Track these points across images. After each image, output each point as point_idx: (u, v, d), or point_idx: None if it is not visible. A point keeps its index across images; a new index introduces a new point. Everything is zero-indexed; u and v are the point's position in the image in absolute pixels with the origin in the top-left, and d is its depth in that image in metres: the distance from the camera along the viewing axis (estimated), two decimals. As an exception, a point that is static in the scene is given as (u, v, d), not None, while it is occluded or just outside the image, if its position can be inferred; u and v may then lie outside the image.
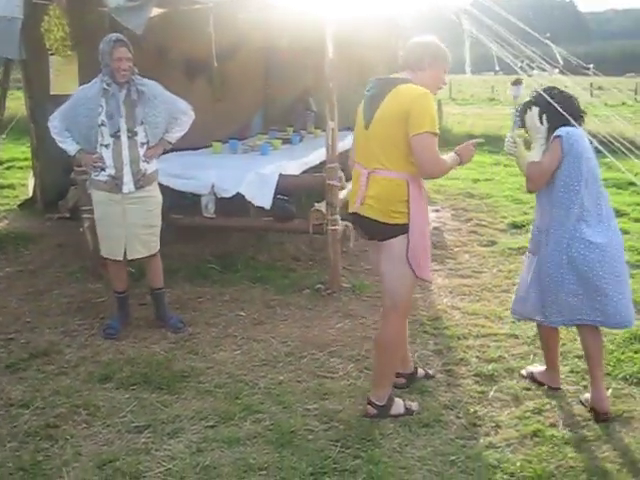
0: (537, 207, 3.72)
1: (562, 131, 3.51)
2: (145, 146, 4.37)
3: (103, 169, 4.33)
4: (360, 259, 6.05)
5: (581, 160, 3.47)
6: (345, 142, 7.21)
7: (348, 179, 5.74)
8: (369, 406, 3.52)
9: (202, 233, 6.20)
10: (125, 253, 4.45)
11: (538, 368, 3.94)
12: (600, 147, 3.74)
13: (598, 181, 3.57)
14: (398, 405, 3.55)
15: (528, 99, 3.74)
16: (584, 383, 3.81)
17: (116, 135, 4.27)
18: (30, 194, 8.40)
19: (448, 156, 3.44)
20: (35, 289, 5.46)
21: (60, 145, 4.46)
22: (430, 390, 3.78)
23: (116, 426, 3.46)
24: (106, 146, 4.30)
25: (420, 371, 3.94)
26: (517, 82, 3.76)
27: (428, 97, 3.23)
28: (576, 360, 4.09)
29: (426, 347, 4.34)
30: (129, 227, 4.39)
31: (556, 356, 3.85)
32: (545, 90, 3.65)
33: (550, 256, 3.55)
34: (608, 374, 3.89)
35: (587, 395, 3.63)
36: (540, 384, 3.83)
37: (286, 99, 8.61)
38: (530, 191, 3.70)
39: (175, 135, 4.53)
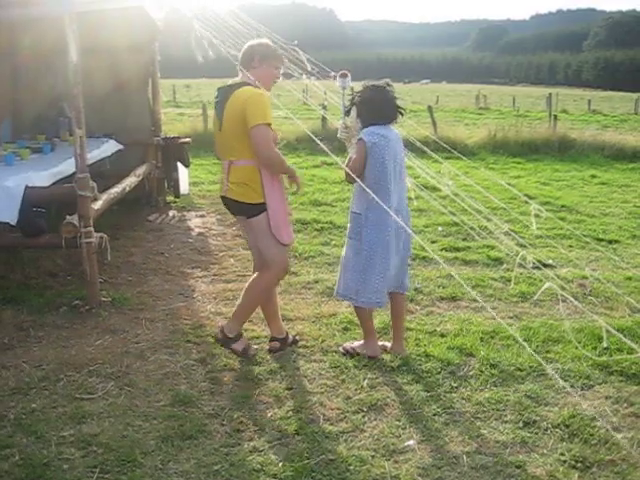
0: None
1: (364, 133, 4.11)
2: None
3: None
4: (121, 270, 5.85)
5: (384, 160, 4.08)
6: (103, 149, 6.94)
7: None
8: (219, 332, 4.26)
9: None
10: None
11: (356, 343, 4.38)
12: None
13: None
14: (241, 343, 4.26)
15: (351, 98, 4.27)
16: (342, 377, 3.99)
17: None
18: None
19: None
20: None
21: None
22: (194, 400, 3.73)
23: None
24: None
25: (289, 337, 4.47)
26: (343, 75, 3.97)
27: (259, 95, 3.95)
28: (336, 355, 4.27)
29: (189, 356, 4.27)
30: None
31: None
32: (363, 89, 4.20)
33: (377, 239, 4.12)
34: (365, 365, 4.12)
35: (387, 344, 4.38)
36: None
37: (37, 105, 8.06)
38: (348, 181, 4.19)
39: None
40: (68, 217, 4.82)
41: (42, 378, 3.97)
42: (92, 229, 4.81)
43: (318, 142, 4.18)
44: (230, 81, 4.14)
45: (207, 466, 3.15)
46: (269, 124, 3.91)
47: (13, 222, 4.77)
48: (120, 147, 7.44)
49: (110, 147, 7.20)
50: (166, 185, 8.51)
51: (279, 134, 4.27)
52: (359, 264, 4.18)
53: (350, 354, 4.30)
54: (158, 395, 3.79)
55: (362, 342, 4.35)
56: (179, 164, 8.54)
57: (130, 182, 6.64)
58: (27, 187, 4.83)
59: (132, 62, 8.24)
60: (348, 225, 4.32)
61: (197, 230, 7.44)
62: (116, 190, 6.10)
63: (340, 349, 4.37)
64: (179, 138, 8.67)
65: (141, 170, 7.40)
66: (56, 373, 4.03)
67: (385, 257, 4.14)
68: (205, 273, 5.93)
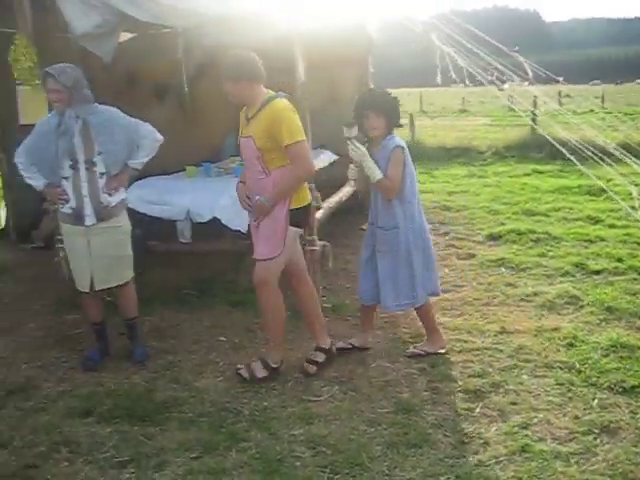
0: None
1: (395, 140, 4.18)
2: (105, 177, 4.25)
3: (67, 201, 4.26)
4: (339, 278, 6.03)
5: (412, 166, 4.25)
6: (320, 160, 7.22)
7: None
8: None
9: (179, 259, 6.14)
10: (93, 284, 4.35)
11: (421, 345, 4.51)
12: (570, 156, 3.83)
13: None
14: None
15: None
16: (569, 395, 3.81)
17: (75, 167, 4.20)
18: (2, 225, 8.28)
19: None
20: (10, 323, 5.35)
21: (27, 181, 4.38)
22: (417, 409, 3.75)
23: (98, 462, 3.38)
24: (66, 178, 4.23)
25: (334, 348, 4.42)
26: (351, 124, 3.83)
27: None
28: (560, 372, 4.09)
29: (410, 365, 4.30)
30: (94, 259, 4.30)
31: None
32: (384, 94, 4.27)
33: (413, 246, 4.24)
34: (593, 384, 3.91)
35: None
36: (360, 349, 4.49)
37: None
38: (391, 198, 4.21)
39: (139, 161, 4.38)
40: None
41: (271, 378, 4.20)
42: (316, 237, 5.02)
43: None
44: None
45: (433, 476, 3.15)
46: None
47: (244, 230, 5.10)
48: (335, 157, 7.68)
49: (326, 158, 7.46)
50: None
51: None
52: (405, 270, 4.27)
53: (420, 355, 4.39)
54: (381, 402, 3.86)
55: (427, 341, 4.51)
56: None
57: (346, 192, 6.84)
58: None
59: (347, 75, 8.52)
60: (378, 239, 4.33)
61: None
62: (334, 200, 6.31)
63: (407, 353, 4.46)
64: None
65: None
66: (284, 374, 4.24)
67: (426, 260, 4.35)
68: (420, 282, 5.93)
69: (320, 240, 5.15)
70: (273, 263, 4.02)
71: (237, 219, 5.15)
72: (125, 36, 5.86)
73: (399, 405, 3.80)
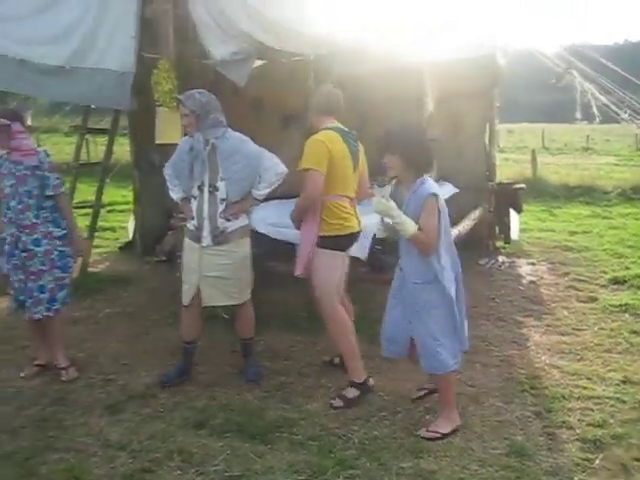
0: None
1: (433, 187, 3.73)
2: (224, 202, 4.34)
3: (193, 218, 4.41)
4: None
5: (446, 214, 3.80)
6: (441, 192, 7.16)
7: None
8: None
9: (297, 281, 6.21)
10: (195, 301, 4.43)
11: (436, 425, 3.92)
12: None
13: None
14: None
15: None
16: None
17: (200, 189, 4.35)
18: (130, 237, 8.71)
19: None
20: (132, 331, 5.60)
21: (169, 192, 4.60)
22: (530, 454, 3.62)
23: (209, 474, 3.47)
24: (194, 198, 4.40)
25: (369, 383, 4.38)
26: (383, 183, 3.63)
27: None
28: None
29: (525, 407, 4.16)
30: (202, 276, 4.39)
31: None
32: (388, 130, 3.87)
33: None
34: None
35: None
36: None
37: (380, 152, 8.61)
38: (429, 254, 3.76)
39: (261, 192, 4.42)
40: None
41: (382, 407, 4.18)
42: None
43: None
44: (339, 125, 4.37)
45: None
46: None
47: (364, 257, 5.12)
48: (455, 190, 7.62)
49: (446, 190, 7.40)
50: (497, 230, 8.48)
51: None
52: (446, 333, 3.84)
53: (437, 438, 3.81)
54: (494, 442, 3.75)
55: (443, 418, 3.93)
56: (511, 210, 8.47)
57: (465, 225, 6.75)
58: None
59: (472, 107, 8.45)
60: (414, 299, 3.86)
61: (528, 278, 7.27)
62: (453, 232, 6.22)
63: (425, 434, 3.85)
64: (514, 184, 8.62)
65: (475, 214, 7.49)
66: (394, 405, 4.21)
67: (459, 321, 3.91)
68: (538, 323, 5.75)
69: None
70: (319, 281, 4.34)
71: (358, 246, 5.15)
72: (256, 63, 6.05)
73: (512, 448, 3.68)
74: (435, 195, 3.69)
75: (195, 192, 4.37)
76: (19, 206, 4.54)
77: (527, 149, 22.17)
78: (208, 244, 4.35)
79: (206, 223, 4.34)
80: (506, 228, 8.45)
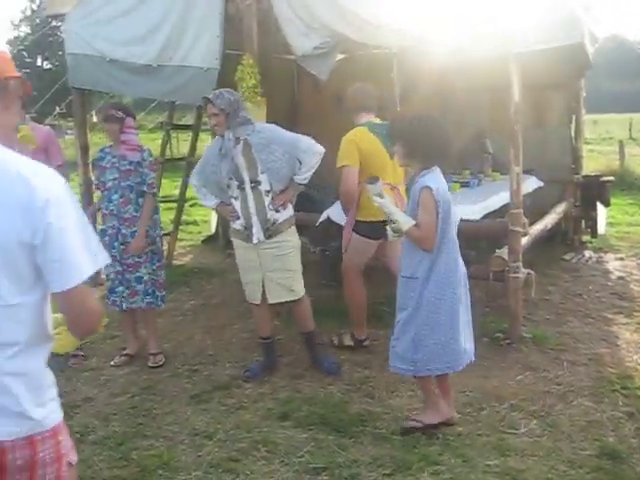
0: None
1: (430, 180, 3.53)
2: (270, 194, 4.35)
3: (238, 218, 4.44)
4: (539, 308, 5.80)
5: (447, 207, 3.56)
6: (525, 185, 6.99)
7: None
8: None
9: (377, 274, 6.20)
10: (265, 297, 4.48)
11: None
12: None
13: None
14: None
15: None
16: None
17: (241, 187, 4.37)
18: (212, 230, 8.88)
19: None
20: (217, 323, 5.72)
21: (201, 203, 4.69)
22: (623, 456, 3.49)
23: (294, 465, 3.50)
24: (235, 198, 4.42)
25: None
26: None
27: None
28: None
29: (616, 407, 4.02)
30: (265, 274, 4.43)
31: None
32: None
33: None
34: None
35: None
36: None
37: (461, 141, 8.51)
38: (428, 250, 3.56)
39: (304, 176, 4.43)
40: (497, 251, 4.94)
41: (466, 404, 4.11)
42: (521, 264, 4.86)
43: None
44: (371, 120, 4.76)
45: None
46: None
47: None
48: (540, 184, 7.42)
49: (531, 184, 7.22)
50: (583, 224, 8.23)
51: None
52: (420, 333, 3.61)
53: (417, 428, 3.77)
54: (583, 443, 3.64)
55: (426, 411, 3.83)
56: (598, 203, 8.19)
57: (551, 220, 6.58)
58: (461, 219, 5.08)
59: (557, 98, 8.23)
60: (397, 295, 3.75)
61: (616, 273, 7.02)
62: (538, 227, 6.09)
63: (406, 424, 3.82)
64: (601, 177, 8.34)
65: (560, 208, 7.29)
66: (479, 401, 4.14)
67: (451, 323, 3.63)
68: (628, 320, 5.55)
69: (525, 268, 4.98)
70: (346, 257, 4.85)
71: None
72: (338, 57, 6.05)
73: (603, 449, 3.56)
74: (429, 188, 3.49)
75: (235, 192, 4.40)
76: (121, 199, 4.71)
77: (613, 140, 21.41)
78: (260, 239, 4.38)
79: (255, 219, 4.37)
80: (593, 222, 8.19)
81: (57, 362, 2.59)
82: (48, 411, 1.73)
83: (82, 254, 1.67)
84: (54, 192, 1.65)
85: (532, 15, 4.77)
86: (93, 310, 1.76)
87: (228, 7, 5.63)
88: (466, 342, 3.75)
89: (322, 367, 4.65)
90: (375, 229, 4.53)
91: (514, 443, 3.64)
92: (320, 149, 4.41)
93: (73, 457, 1.83)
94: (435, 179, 3.56)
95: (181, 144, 13.81)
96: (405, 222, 3.55)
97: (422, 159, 3.59)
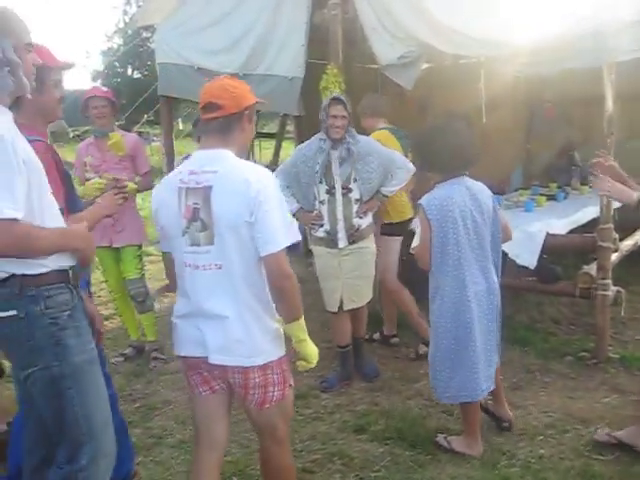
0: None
1: (427, 197, 3.42)
2: (359, 202, 4.41)
3: (321, 225, 4.45)
4: (628, 327, 5.54)
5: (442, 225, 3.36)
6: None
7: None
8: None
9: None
10: (342, 304, 4.50)
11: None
12: None
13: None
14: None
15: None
16: None
17: (331, 192, 4.38)
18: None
19: None
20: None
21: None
22: None
23: (370, 480, 3.45)
24: (322, 202, 4.42)
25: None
26: None
27: None
28: None
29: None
30: (345, 280, 4.46)
31: None
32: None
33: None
34: None
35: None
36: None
37: (547, 154, 8.29)
38: (426, 269, 3.48)
39: (391, 189, 4.55)
40: (585, 267, 4.77)
41: (549, 425, 3.97)
42: (610, 281, 4.67)
43: None
44: (389, 125, 5.04)
45: None
46: None
47: (532, 266, 4.91)
48: (632, 198, 7.10)
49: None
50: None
51: None
52: (444, 359, 3.49)
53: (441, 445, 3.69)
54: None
55: (462, 437, 3.69)
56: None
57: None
58: (548, 234, 4.94)
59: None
60: None
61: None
62: (629, 243, 5.83)
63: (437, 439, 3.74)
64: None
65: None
66: (563, 423, 3.99)
67: (469, 347, 3.44)
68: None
69: (615, 285, 4.78)
70: (381, 264, 4.90)
71: (526, 254, 4.95)
72: (423, 66, 5.98)
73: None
74: (420, 205, 3.39)
75: (323, 196, 4.42)
76: None
77: None
78: (344, 245, 4.43)
79: (341, 225, 4.42)
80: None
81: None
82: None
83: (280, 231, 2.46)
84: (263, 185, 2.46)
85: (629, 22, 4.59)
86: (285, 273, 2.51)
87: (314, 16, 5.66)
88: (489, 368, 3.61)
89: (362, 371, 4.72)
90: (400, 227, 4.99)
91: (600, 470, 3.47)
92: (412, 167, 4.57)
93: (291, 381, 2.77)
94: (440, 193, 3.42)
95: (263, 152, 13.99)
96: (414, 241, 3.57)
97: (439, 170, 3.47)
